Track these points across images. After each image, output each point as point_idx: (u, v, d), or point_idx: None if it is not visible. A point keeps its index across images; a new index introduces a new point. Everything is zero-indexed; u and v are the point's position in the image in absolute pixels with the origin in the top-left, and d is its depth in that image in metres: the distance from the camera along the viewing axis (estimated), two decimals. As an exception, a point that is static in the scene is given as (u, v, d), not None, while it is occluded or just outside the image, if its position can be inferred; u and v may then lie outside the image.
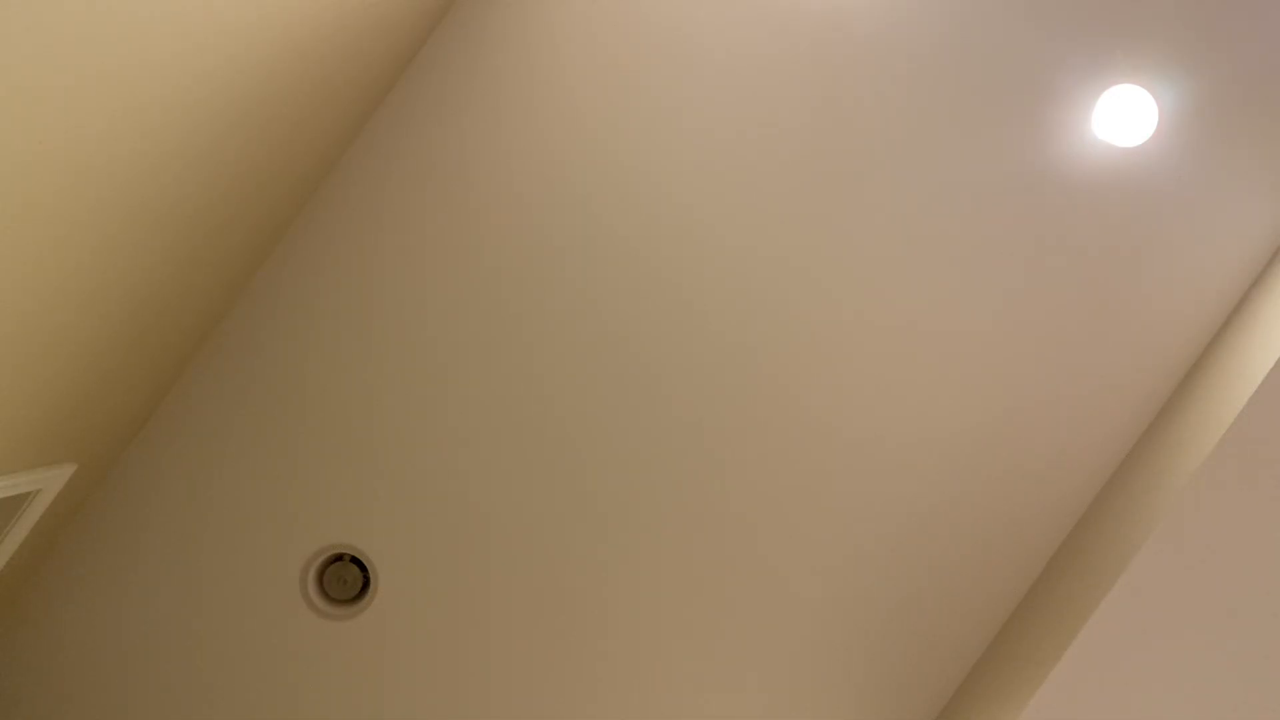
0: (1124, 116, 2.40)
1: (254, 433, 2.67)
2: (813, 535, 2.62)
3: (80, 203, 1.70)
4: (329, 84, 2.24)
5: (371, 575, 2.68)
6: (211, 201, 2.15)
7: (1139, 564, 2.02)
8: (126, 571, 2.68)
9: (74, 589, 2.68)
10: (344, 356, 2.65)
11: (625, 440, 2.63)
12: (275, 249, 2.63)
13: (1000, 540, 2.59)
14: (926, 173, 2.52)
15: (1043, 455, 2.57)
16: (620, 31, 2.55)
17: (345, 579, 2.70)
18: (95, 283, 1.94)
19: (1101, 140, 2.43)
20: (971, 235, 2.53)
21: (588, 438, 2.64)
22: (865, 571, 2.62)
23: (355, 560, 2.70)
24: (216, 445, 2.67)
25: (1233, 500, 2.02)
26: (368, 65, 2.36)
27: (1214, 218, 2.46)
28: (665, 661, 2.66)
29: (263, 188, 2.32)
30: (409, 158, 2.61)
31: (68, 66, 1.43)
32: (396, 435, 2.65)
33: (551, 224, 2.60)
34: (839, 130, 2.53)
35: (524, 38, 2.57)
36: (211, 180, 2.08)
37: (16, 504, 2.24)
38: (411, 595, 2.67)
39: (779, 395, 2.60)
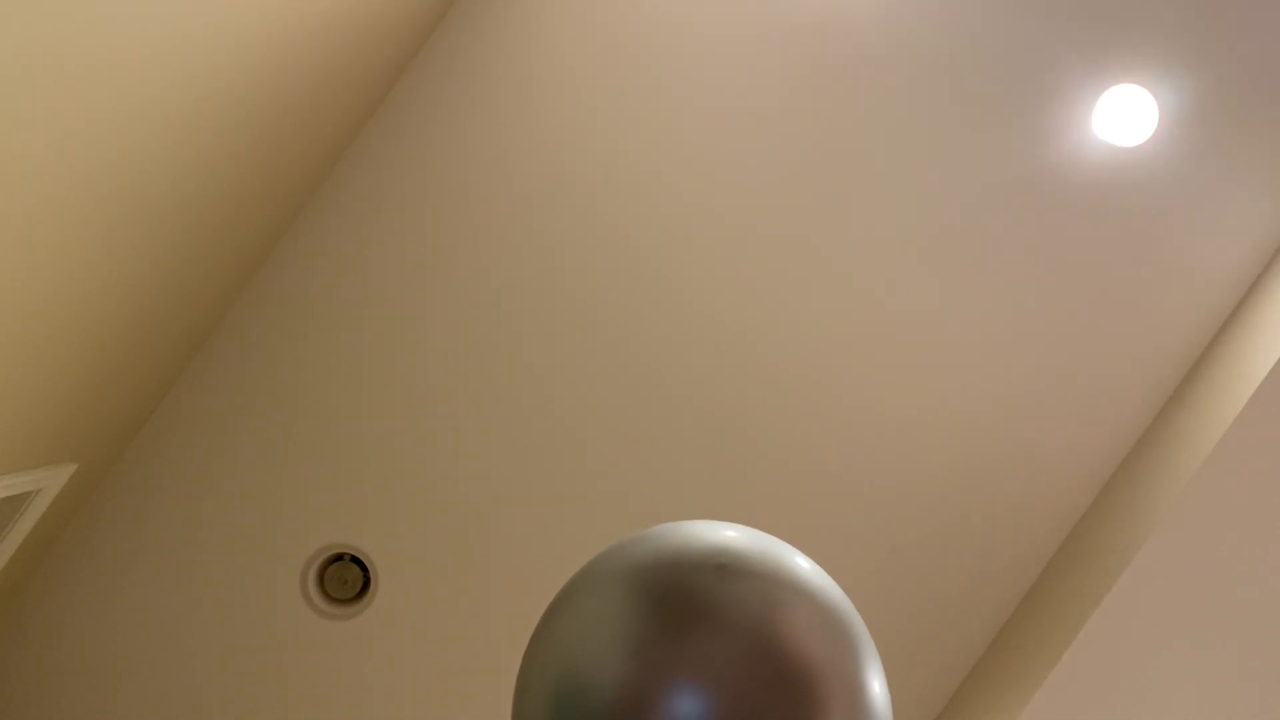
0: (1124, 116, 2.40)
1: (254, 432, 2.67)
2: (811, 536, 2.62)
3: (80, 204, 1.70)
4: (330, 83, 2.24)
5: (371, 575, 2.68)
6: (212, 201, 2.15)
7: (1139, 564, 2.02)
8: (126, 571, 2.68)
9: (74, 589, 2.68)
10: (344, 356, 2.65)
11: (628, 440, 2.63)
12: (275, 249, 2.63)
13: (1000, 540, 2.59)
14: (927, 172, 2.52)
15: (1043, 455, 2.57)
16: (621, 30, 2.55)
17: (345, 579, 2.70)
18: (96, 283, 1.94)
19: (1101, 140, 2.43)
20: (971, 235, 2.53)
21: (590, 437, 2.64)
22: (864, 571, 2.62)
23: (355, 560, 2.70)
24: (216, 445, 2.67)
25: (1233, 500, 2.01)
26: (368, 65, 2.36)
27: (1214, 218, 2.46)
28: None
29: (264, 187, 2.32)
30: (408, 157, 2.61)
31: (68, 66, 1.43)
32: (397, 435, 2.65)
33: (552, 224, 2.60)
34: (840, 130, 2.53)
35: (524, 37, 2.57)
36: (212, 181, 2.08)
37: (16, 504, 2.24)
38: (411, 595, 2.67)
39: (776, 395, 2.60)
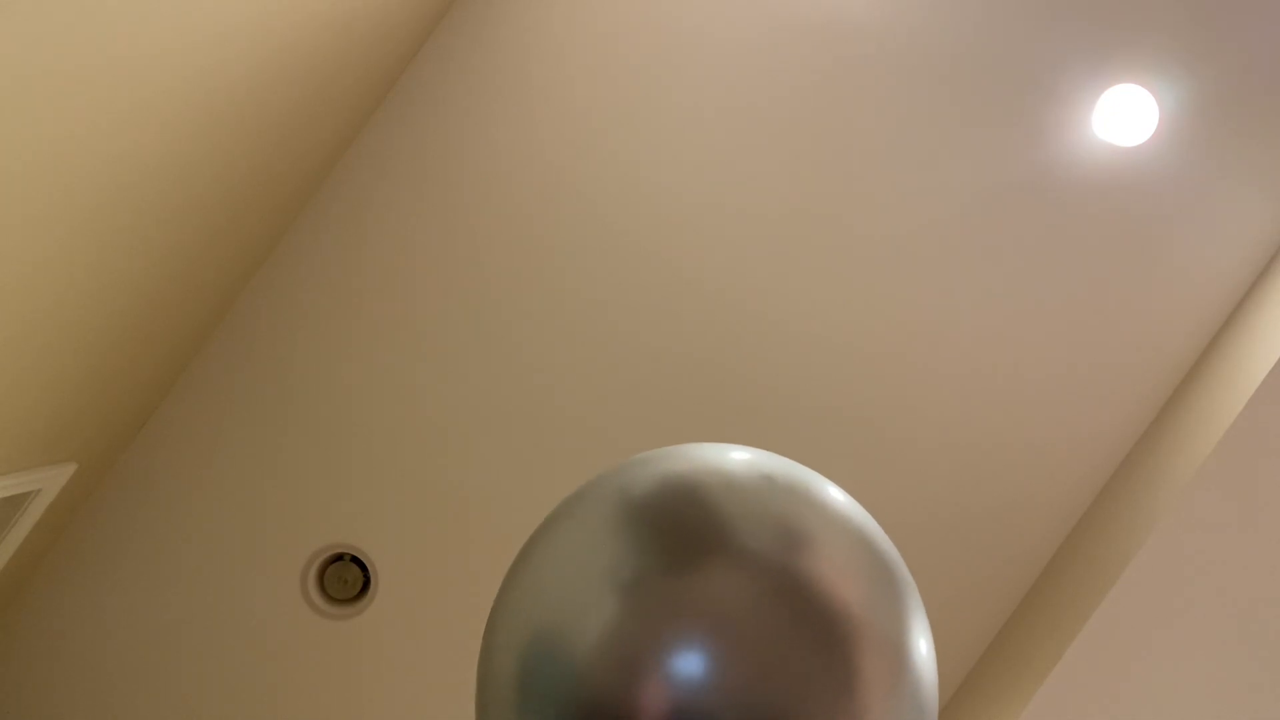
0: (1124, 116, 2.40)
1: (254, 433, 2.66)
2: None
3: (81, 205, 1.70)
4: (329, 85, 2.24)
5: (371, 575, 2.68)
6: (212, 203, 2.15)
7: (1139, 564, 2.02)
8: (126, 571, 2.68)
9: (74, 589, 2.68)
10: (343, 357, 2.65)
11: (633, 440, 2.63)
12: (275, 249, 2.63)
13: (1000, 539, 2.59)
14: (927, 171, 2.52)
15: (1042, 455, 2.57)
16: (621, 30, 2.55)
17: (345, 579, 2.70)
18: (96, 284, 1.94)
19: (1102, 140, 2.43)
20: (970, 234, 2.53)
21: (589, 436, 2.64)
22: (865, 571, 2.61)
23: (355, 560, 2.70)
24: (216, 445, 2.67)
25: (1233, 500, 2.02)
26: (368, 65, 2.35)
27: (1214, 218, 2.46)
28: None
29: (265, 187, 2.32)
30: (407, 158, 2.60)
31: (66, 67, 1.43)
32: (396, 435, 2.65)
33: (552, 223, 2.60)
34: (840, 131, 2.53)
35: (524, 37, 2.57)
36: (212, 182, 2.08)
37: (17, 504, 2.24)
38: (411, 595, 2.67)
39: (776, 397, 2.60)
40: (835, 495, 0.52)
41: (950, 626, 2.62)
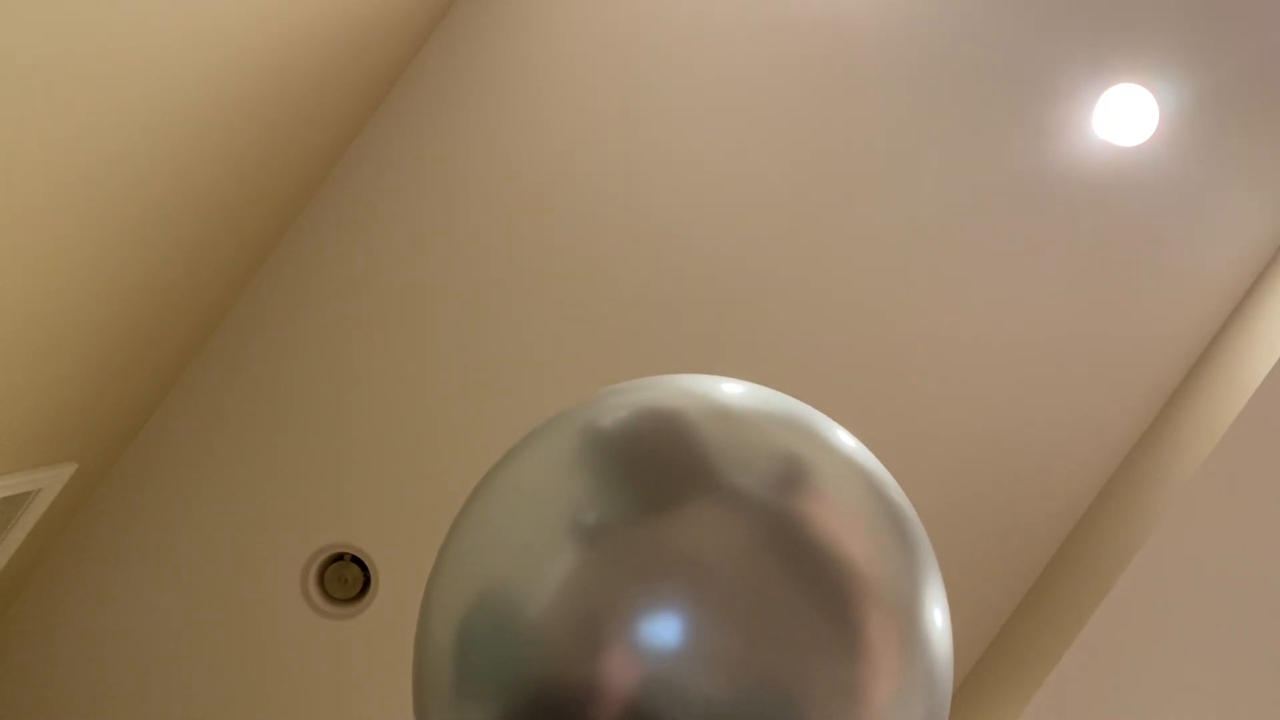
0: (1124, 116, 2.40)
1: (254, 433, 2.66)
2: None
3: (80, 205, 1.70)
4: (330, 82, 2.24)
5: (372, 575, 2.68)
6: (212, 201, 2.15)
7: (1139, 564, 2.02)
8: (126, 571, 2.68)
9: (74, 589, 2.68)
10: (344, 356, 2.65)
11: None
12: (276, 248, 2.63)
13: (1001, 540, 2.59)
14: (927, 171, 2.52)
15: (1043, 455, 2.57)
16: (621, 31, 2.55)
17: (345, 578, 2.70)
18: (96, 283, 1.94)
19: (1102, 140, 2.43)
20: (970, 234, 2.53)
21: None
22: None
23: (356, 560, 2.70)
24: (216, 445, 2.67)
25: (1233, 500, 2.01)
26: (368, 64, 2.35)
27: (1214, 217, 2.46)
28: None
29: (266, 185, 2.32)
30: (408, 157, 2.60)
31: (67, 66, 1.43)
32: (397, 435, 2.65)
33: (555, 223, 2.60)
34: (840, 130, 2.53)
35: (524, 37, 2.57)
36: (212, 181, 2.08)
37: (16, 504, 2.24)
38: (412, 595, 2.67)
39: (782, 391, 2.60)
40: (841, 435, 0.41)
41: (954, 622, 2.61)
